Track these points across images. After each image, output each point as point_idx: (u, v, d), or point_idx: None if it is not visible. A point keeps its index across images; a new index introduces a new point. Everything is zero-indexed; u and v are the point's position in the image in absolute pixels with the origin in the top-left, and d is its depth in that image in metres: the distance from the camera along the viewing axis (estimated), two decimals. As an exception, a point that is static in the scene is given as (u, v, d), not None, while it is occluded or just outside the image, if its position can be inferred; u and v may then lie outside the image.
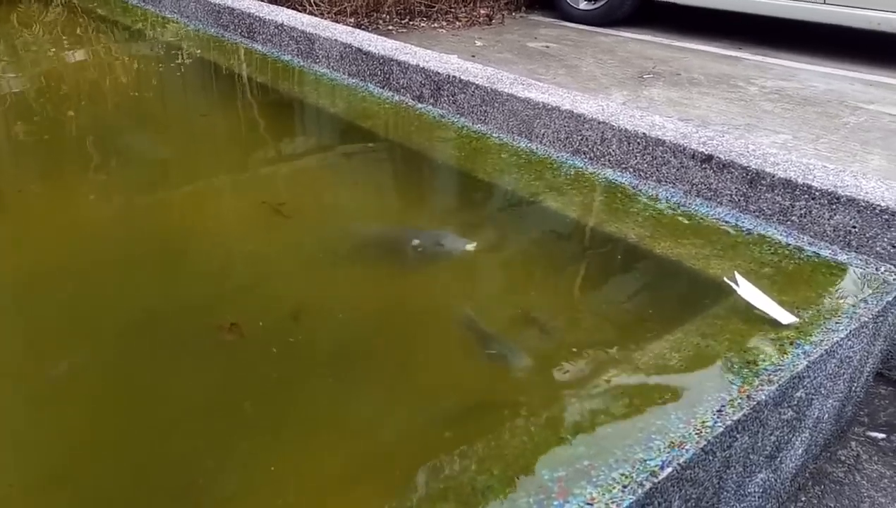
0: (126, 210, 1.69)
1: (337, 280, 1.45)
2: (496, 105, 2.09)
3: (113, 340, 1.22)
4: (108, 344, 1.21)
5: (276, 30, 2.82)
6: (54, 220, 1.64)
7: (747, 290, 1.29)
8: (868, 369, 1.43)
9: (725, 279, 1.33)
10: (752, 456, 1.07)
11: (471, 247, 1.54)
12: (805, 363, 1.09)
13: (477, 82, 2.13)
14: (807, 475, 1.38)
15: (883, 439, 1.51)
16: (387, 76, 2.39)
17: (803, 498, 1.35)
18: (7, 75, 2.60)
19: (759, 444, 1.07)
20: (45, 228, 1.60)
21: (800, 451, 1.25)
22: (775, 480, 1.21)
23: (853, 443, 1.50)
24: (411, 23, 4.95)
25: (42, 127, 2.18)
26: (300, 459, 0.96)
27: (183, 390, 1.10)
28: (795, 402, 1.11)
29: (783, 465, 1.21)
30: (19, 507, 0.88)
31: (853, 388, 1.38)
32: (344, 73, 2.54)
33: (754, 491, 1.15)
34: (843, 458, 1.46)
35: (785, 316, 1.21)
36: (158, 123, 2.31)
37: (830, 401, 1.27)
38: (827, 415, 1.30)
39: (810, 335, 1.17)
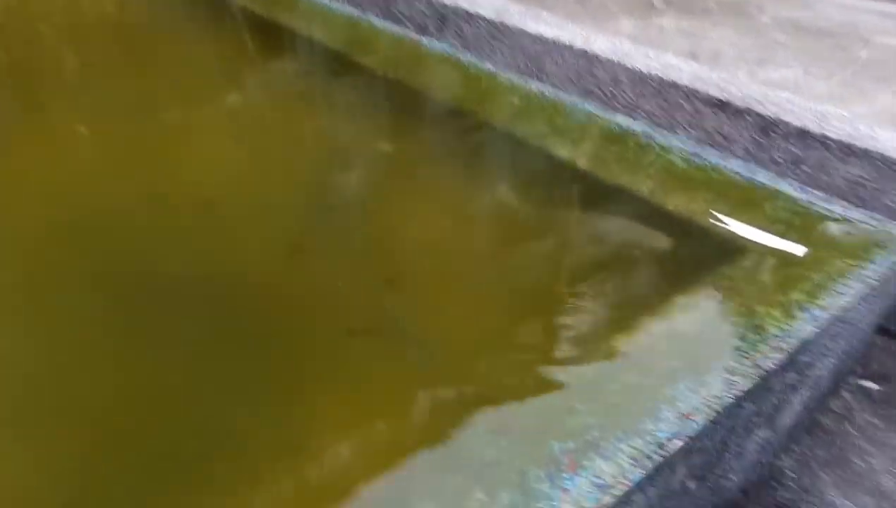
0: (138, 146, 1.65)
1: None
2: (504, 40, 2.00)
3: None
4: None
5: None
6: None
7: (745, 230, 1.28)
8: (871, 326, 1.44)
9: (710, 220, 1.31)
10: (754, 419, 1.09)
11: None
12: (813, 329, 1.09)
13: (484, 14, 2.03)
14: (800, 427, 1.42)
15: (875, 389, 1.54)
16: (388, 5, 2.27)
17: (796, 449, 1.39)
18: None
19: (763, 409, 1.09)
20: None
21: (798, 409, 1.28)
22: (772, 436, 1.24)
23: (845, 393, 1.53)
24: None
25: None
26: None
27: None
28: (800, 366, 1.12)
29: (780, 422, 1.24)
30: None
31: (853, 345, 1.40)
32: (341, 1, 2.41)
33: (752, 449, 1.18)
34: (834, 408, 1.49)
35: (798, 249, 1.21)
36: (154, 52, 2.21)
37: (830, 360, 1.29)
38: (826, 373, 1.32)
39: (818, 297, 1.17)
